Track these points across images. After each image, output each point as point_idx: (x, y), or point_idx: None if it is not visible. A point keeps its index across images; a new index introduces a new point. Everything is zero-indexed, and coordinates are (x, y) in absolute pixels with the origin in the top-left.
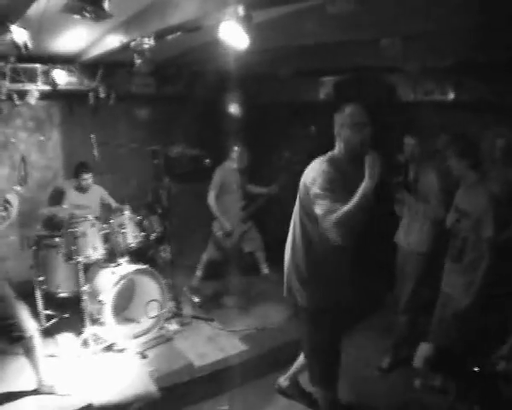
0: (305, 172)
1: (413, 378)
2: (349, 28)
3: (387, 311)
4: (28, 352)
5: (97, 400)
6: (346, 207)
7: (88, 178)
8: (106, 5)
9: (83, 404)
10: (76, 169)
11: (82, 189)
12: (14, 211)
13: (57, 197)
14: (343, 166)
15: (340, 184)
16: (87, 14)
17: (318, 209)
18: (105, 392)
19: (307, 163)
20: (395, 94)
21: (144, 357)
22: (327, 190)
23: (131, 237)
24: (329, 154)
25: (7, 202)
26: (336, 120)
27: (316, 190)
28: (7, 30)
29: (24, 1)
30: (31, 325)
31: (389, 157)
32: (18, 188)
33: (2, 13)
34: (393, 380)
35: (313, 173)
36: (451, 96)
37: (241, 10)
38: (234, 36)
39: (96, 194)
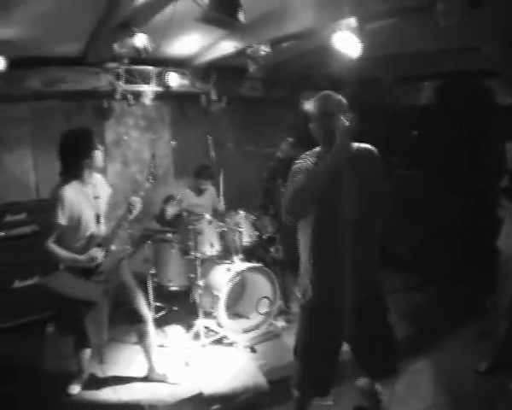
0: None
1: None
2: (452, 37)
3: (488, 315)
4: (142, 338)
5: (207, 389)
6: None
7: (208, 184)
8: (241, 16)
9: (193, 393)
10: (198, 171)
11: (199, 191)
12: (135, 213)
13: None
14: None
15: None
16: (222, 25)
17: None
18: (215, 382)
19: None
20: (495, 98)
21: (253, 351)
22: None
23: (246, 235)
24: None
25: (131, 204)
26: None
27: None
28: (132, 34)
29: (152, 9)
30: (147, 312)
31: (492, 163)
32: (147, 184)
33: (128, 19)
34: (490, 383)
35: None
36: None
37: (354, 22)
38: (347, 45)
39: (210, 196)
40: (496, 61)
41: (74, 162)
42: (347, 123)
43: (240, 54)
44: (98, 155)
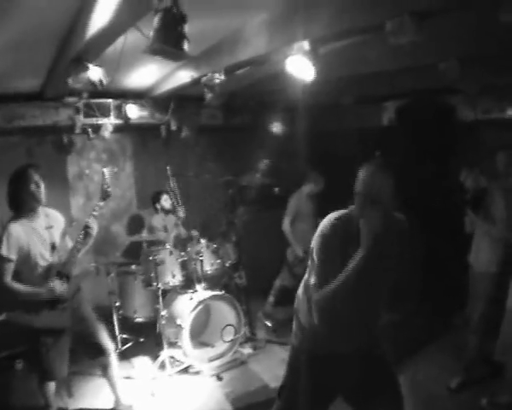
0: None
1: (481, 397)
2: (409, 55)
3: (458, 331)
4: (106, 371)
5: None
6: (328, 288)
7: (167, 198)
8: (185, 46)
9: None
10: (155, 194)
11: (164, 210)
12: (93, 235)
13: (135, 224)
14: (354, 225)
15: (340, 251)
16: (168, 56)
17: (312, 280)
18: None
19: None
20: (456, 115)
21: (220, 379)
22: (321, 261)
23: (208, 264)
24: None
25: (87, 226)
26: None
27: (313, 256)
28: (85, 68)
29: (102, 42)
30: (109, 344)
31: (455, 177)
32: (101, 203)
33: (81, 53)
34: (462, 399)
35: (317, 232)
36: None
37: (307, 45)
38: (301, 69)
39: (173, 219)
40: (453, 77)
41: (15, 199)
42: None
43: (196, 83)
44: (38, 192)
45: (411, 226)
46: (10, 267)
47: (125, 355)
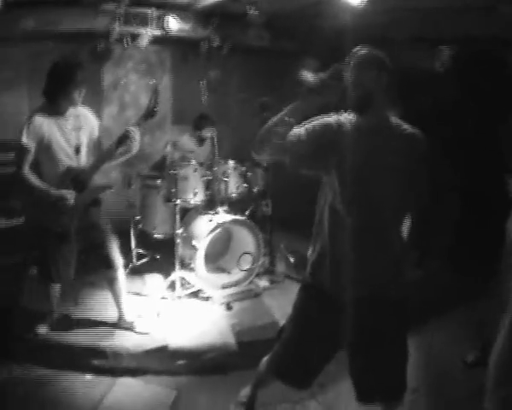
0: None
1: None
2: None
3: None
4: (111, 284)
5: (173, 343)
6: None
7: (212, 131)
8: None
9: (158, 345)
10: (198, 120)
11: (200, 140)
12: (136, 146)
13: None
14: (351, 125)
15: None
16: None
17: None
18: (183, 337)
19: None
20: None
21: (229, 309)
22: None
23: (234, 186)
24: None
25: (126, 136)
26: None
27: None
28: None
29: None
30: (118, 258)
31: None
32: (143, 119)
33: None
34: (476, 375)
35: None
36: None
37: None
38: None
39: (207, 150)
40: None
41: (50, 93)
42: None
43: None
44: (75, 95)
45: (436, 152)
46: (28, 157)
47: (138, 271)
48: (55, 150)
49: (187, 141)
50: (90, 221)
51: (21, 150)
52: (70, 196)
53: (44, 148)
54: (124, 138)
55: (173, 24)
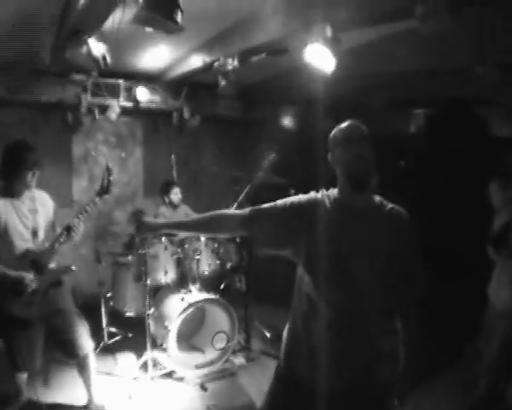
0: None
1: None
2: (442, 53)
3: (466, 364)
4: (81, 369)
5: None
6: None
7: (178, 192)
8: (178, 18)
9: None
10: (164, 186)
11: (172, 205)
12: (77, 238)
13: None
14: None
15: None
16: (159, 27)
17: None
18: None
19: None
20: (488, 129)
21: (204, 389)
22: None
23: (206, 263)
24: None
25: (70, 227)
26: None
27: None
28: (83, 43)
29: (98, 15)
30: (87, 344)
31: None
32: (96, 199)
33: (77, 26)
34: None
35: None
36: None
37: (328, 31)
38: (320, 58)
39: (184, 212)
40: (489, 86)
41: (3, 175)
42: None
43: (209, 69)
44: (28, 177)
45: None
46: None
47: (110, 349)
48: (12, 233)
49: (165, 211)
50: (53, 306)
51: None
52: (29, 278)
53: (1, 231)
54: (68, 230)
55: (143, 95)
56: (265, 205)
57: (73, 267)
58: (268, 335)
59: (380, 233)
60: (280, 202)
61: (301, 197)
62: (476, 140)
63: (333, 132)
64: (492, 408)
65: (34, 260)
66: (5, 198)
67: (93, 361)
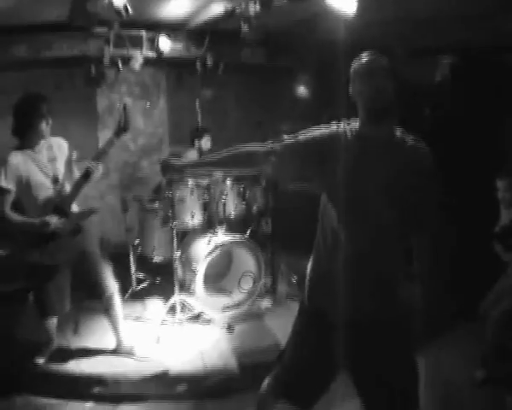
0: None
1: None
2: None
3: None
4: (107, 311)
5: (175, 367)
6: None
7: (208, 140)
8: None
9: (159, 370)
10: (196, 132)
11: (201, 151)
12: (95, 177)
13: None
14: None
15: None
16: None
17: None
18: (183, 361)
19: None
20: None
21: (231, 331)
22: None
23: (232, 206)
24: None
25: (88, 170)
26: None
27: None
28: None
29: None
30: (111, 284)
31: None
32: (115, 138)
33: None
34: (486, 394)
35: None
36: None
37: None
38: (342, 1)
39: None
40: None
41: (18, 129)
42: None
43: (231, 15)
44: (42, 126)
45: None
46: (9, 198)
47: (138, 295)
48: (34, 186)
49: (192, 156)
50: (78, 249)
51: (1, 192)
52: (53, 221)
53: (24, 186)
54: (87, 172)
55: (166, 45)
56: (288, 139)
57: (96, 208)
58: (294, 279)
59: (399, 165)
60: (302, 135)
61: (323, 130)
62: (503, 89)
63: (353, 64)
64: (501, 361)
65: (57, 206)
66: (23, 152)
67: (118, 302)
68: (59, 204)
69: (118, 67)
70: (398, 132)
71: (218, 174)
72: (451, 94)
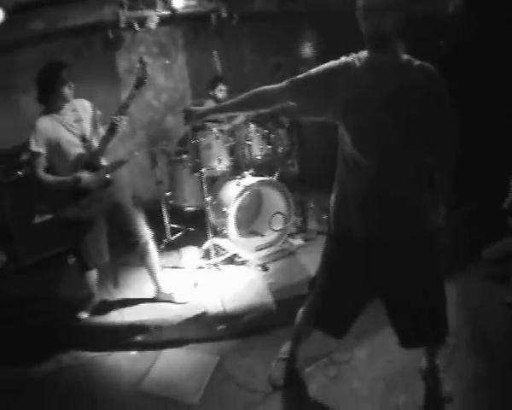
0: None
1: None
2: None
3: None
4: (143, 258)
5: (212, 309)
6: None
7: (223, 89)
8: None
9: (197, 312)
10: (211, 82)
11: (217, 100)
12: (120, 130)
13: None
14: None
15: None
16: None
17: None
18: (221, 302)
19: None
20: None
21: (265, 270)
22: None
23: (258, 149)
24: None
25: (113, 123)
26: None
27: None
28: None
29: None
30: (145, 232)
31: None
32: (135, 91)
33: None
34: None
35: None
36: None
37: None
38: None
39: None
40: None
41: (43, 96)
42: None
43: None
44: (65, 90)
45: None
46: (41, 161)
47: (174, 245)
48: (64, 147)
49: (211, 104)
50: (111, 201)
51: (33, 156)
52: (85, 175)
53: (54, 148)
54: (112, 127)
55: (179, 1)
56: (301, 75)
57: (125, 159)
58: (324, 216)
59: (408, 86)
60: (313, 70)
61: (333, 63)
62: None
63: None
64: None
65: (87, 162)
66: (50, 116)
67: (154, 250)
68: (88, 160)
69: (134, 29)
70: (405, 57)
71: (240, 119)
72: (465, 26)
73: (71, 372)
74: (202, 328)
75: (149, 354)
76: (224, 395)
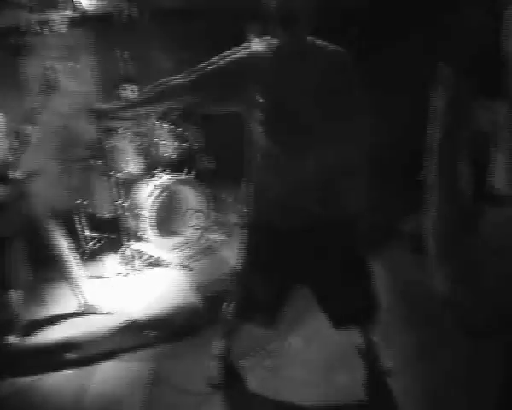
0: None
1: None
2: None
3: None
4: (63, 272)
5: (141, 315)
6: None
7: (134, 89)
8: None
9: (126, 322)
10: (121, 82)
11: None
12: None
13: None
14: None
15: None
16: None
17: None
18: (148, 308)
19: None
20: None
21: (190, 269)
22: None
23: (172, 148)
24: None
25: (17, 133)
26: None
27: None
28: None
29: None
30: (62, 243)
31: None
32: (42, 97)
33: None
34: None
35: None
36: None
37: None
38: None
39: None
40: None
41: None
42: None
43: None
44: None
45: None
46: None
47: (95, 254)
48: None
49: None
50: (25, 215)
51: None
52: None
53: None
54: (22, 137)
55: (87, 2)
56: (208, 67)
57: (37, 170)
58: (245, 209)
59: (322, 69)
60: (222, 61)
61: (242, 52)
62: None
63: None
64: None
65: None
66: None
67: (74, 262)
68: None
69: (39, 33)
70: (317, 41)
71: (150, 118)
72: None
73: (8, 402)
74: (133, 336)
75: (85, 370)
76: (166, 402)
